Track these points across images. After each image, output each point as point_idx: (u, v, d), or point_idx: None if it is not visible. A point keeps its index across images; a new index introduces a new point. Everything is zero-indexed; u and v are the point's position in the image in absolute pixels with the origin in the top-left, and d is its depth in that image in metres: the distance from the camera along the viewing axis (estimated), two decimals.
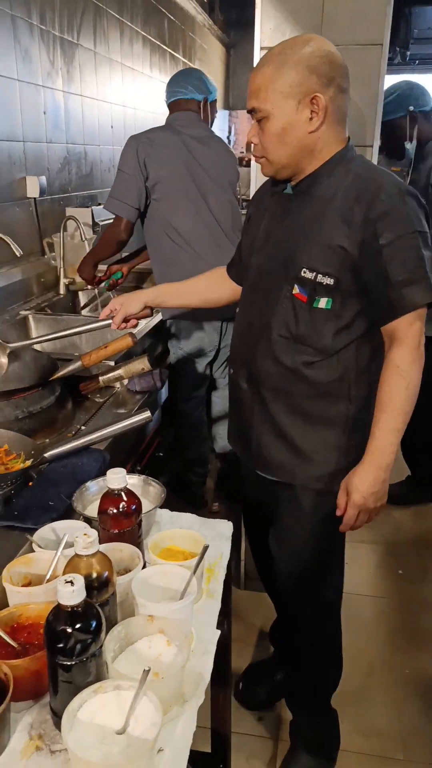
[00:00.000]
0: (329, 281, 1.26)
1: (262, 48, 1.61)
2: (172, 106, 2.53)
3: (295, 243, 1.30)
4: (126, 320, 1.61)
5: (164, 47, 4.34)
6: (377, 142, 1.67)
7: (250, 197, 1.84)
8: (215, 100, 2.62)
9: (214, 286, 1.63)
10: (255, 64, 1.67)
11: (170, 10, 4.43)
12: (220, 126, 6.76)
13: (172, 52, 4.57)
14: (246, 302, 1.46)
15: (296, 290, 1.30)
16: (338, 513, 1.33)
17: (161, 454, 2.14)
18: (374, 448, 1.27)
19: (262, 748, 1.78)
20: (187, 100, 2.49)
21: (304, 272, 1.28)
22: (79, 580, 0.79)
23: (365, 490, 1.28)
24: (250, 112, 1.27)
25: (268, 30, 1.58)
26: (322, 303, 1.28)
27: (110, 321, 1.62)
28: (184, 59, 4.91)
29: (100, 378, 1.71)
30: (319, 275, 1.26)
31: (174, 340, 2.49)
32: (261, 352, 1.38)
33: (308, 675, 1.63)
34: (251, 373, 1.42)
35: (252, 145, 1.30)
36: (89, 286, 2.68)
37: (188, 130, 2.44)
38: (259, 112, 1.24)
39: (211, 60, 5.96)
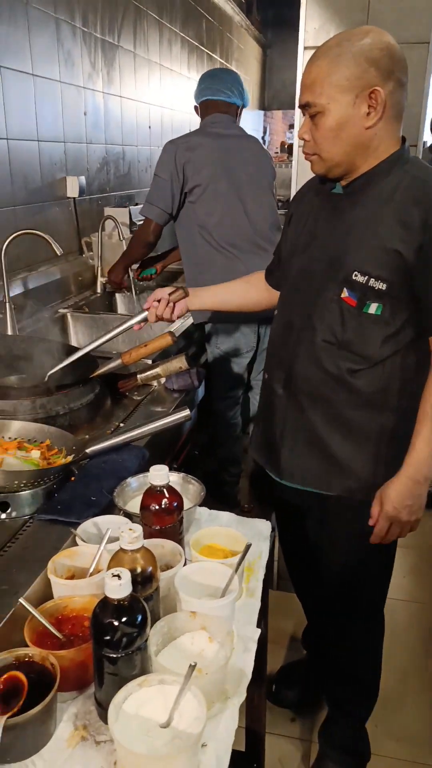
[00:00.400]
0: (381, 286, 1.22)
1: (306, 48, 1.61)
2: (211, 104, 2.49)
3: (346, 244, 1.26)
4: (158, 300, 1.55)
5: (202, 48, 4.36)
6: (422, 141, 1.65)
7: (290, 198, 1.83)
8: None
9: (252, 290, 1.61)
10: (299, 64, 1.68)
11: (209, 11, 4.46)
12: (254, 126, 6.76)
13: (210, 53, 4.58)
14: (286, 303, 1.42)
15: (345, 294, 1.26)
16: (370, 523, 1.31)
17: (196, 453, 2.15)
18: (412, 461, 1.24)
19: (295, 749, 1.77)
20: (229, 103, 2.49)
21: (356, 275, 1.24)
22: (126, 574, 0.80)
23: (399, 503, 1.25)
24: (303, 107, 1.22)
25: (312, 30, 1.58)
26: (373, 308, 1.24)
27: (146, 313, 1.58)
28: (221, 60, 4.93)
29: (139, 376, 1.73)
30: (372, 279, 1.22)
31: (212, 340, 2.50)
32: (302, 356, 1.34)
33: (348, 683, 1.61)
34: (289, 377, 1.38)
35: (303, 141, 1.26)
36: (124, 290, 2.72)
37: (226, 132, 2.44)
38: (314, 107, 1.20)
39: (247, 60, 5.97)
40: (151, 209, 2.39)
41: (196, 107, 2.57)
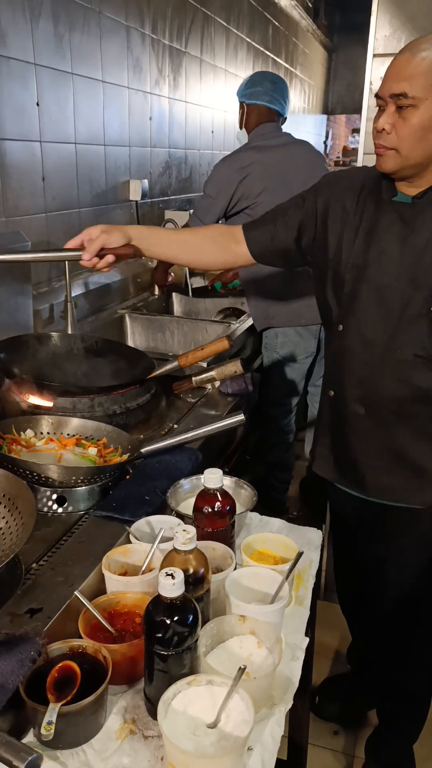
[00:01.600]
0: None
1: (375, 56, 1.59)
2: (264, 111, 2.45)
3: (426, 259, 1.22)
4: (101, 255, 1.34)
5: (267, 53, 4.37)
6: None
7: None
8: None
9: (215, 246, 1.45)
10: (367, 72, 1.67)
11: (275, 16, 4.46)
12: (317, 130, 6.72)
13: (275, 58, 4.59)
14: (361, 320, 1.33)
15: None
16: None
17: (248, 458, 2.16)
18: None
19: (337, 762, 1.75)
20: (280, 114, 2.49)
21: None
22: (180, 574, 0.82)
23: None
24: (394, 96, 1.14)
25: (382, 37, 1.56)
26: None
27: (80, 252, 1.34)
28: (286, 64, 4.93)
29: (193, 379, 1.75)
30: None
31: (270, 344, 2.49)
32: (387, 374, 1.30)
33: (402, 701, 1.59)
34: (371, 396, 1.34)
35: (381, 133, 1.18)
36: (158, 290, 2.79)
37: (276, 142, 2.43)
38: (408, 99, 1.12)
39: (312, 65, 5.94)
40: (196, 223, 2.42)
41: (243, 105, 2.50)
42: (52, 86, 1.99)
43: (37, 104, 1.93)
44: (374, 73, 1.62)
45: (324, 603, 2.22)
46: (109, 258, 1.34)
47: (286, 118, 2.56)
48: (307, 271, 1.49)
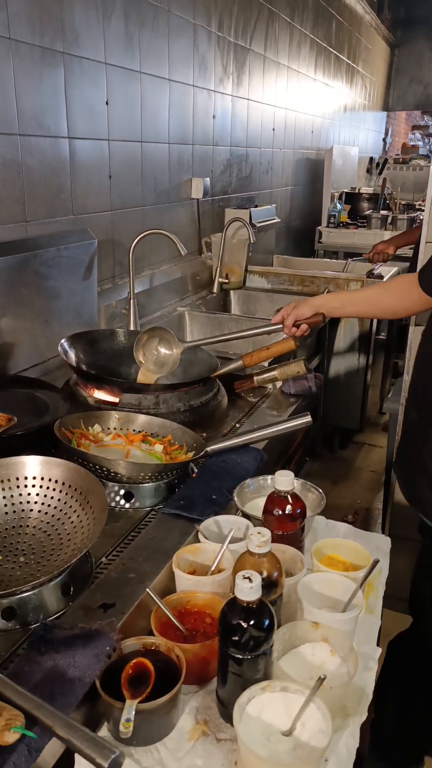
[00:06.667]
0: None
1: None
2: None
3: None
4: (296, 324, 1.60)
5: (330, 49, 4.31)
6: None
7: (424, 202, 1.75)
8: None
9: (398, 297, 1.50)
10: None
11: (339, 12, 4.39)
12: (376, 127, 6.58)
13: (338, 54, 4.52)
14: None
15: None
16: None
17: (307, 459, 2.13)
18: None
19: None
20: None
21: None
22: (257, 578, 0.80)
23: None
24: None
25: None
26: None
27: (280, 325, 1.63)
28: (348, 60, 4.84)
29: (255, 378, 1.73)
30: None
31: None
32: None
33: None
34: (424, 405, 1.33)
35: None
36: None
37: None
38: None
39: (374, 60, 5.82)
40: None
41: None
42: (120, 85, 2.01)
43: (107, 103, 1.95)
44: None
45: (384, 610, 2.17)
46: (303, 327, 1.60)
47: None
48: None
